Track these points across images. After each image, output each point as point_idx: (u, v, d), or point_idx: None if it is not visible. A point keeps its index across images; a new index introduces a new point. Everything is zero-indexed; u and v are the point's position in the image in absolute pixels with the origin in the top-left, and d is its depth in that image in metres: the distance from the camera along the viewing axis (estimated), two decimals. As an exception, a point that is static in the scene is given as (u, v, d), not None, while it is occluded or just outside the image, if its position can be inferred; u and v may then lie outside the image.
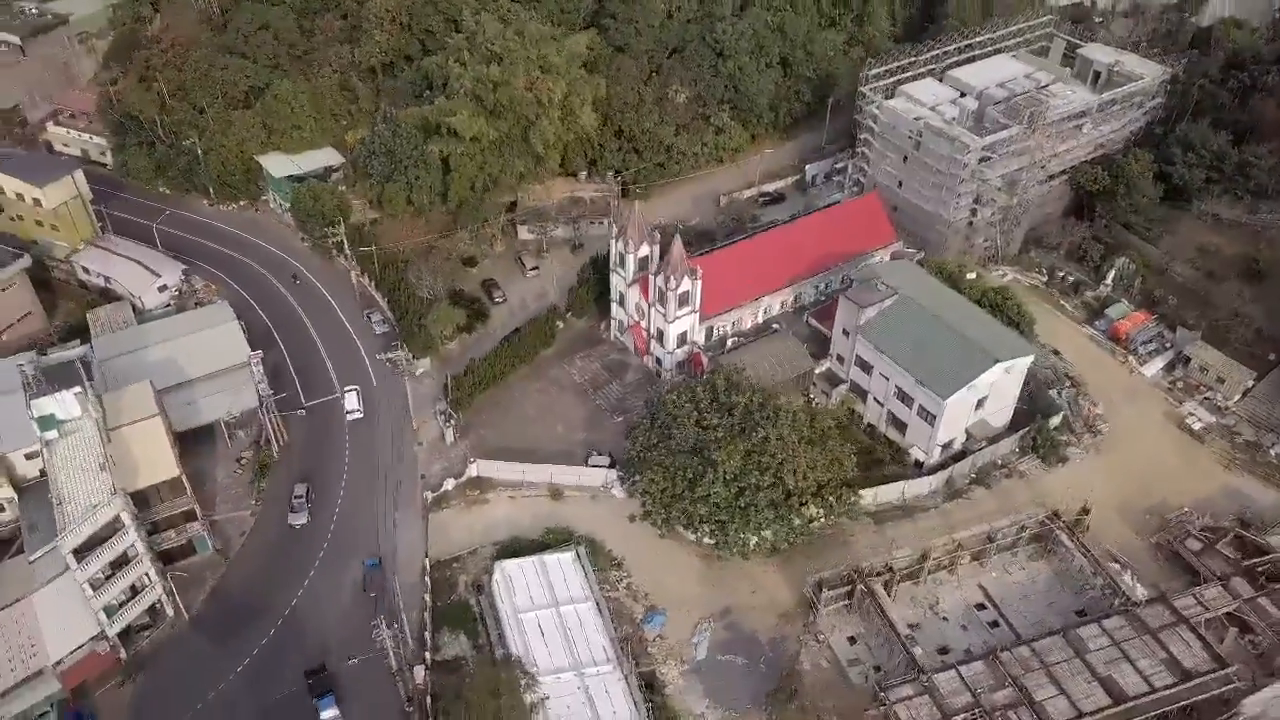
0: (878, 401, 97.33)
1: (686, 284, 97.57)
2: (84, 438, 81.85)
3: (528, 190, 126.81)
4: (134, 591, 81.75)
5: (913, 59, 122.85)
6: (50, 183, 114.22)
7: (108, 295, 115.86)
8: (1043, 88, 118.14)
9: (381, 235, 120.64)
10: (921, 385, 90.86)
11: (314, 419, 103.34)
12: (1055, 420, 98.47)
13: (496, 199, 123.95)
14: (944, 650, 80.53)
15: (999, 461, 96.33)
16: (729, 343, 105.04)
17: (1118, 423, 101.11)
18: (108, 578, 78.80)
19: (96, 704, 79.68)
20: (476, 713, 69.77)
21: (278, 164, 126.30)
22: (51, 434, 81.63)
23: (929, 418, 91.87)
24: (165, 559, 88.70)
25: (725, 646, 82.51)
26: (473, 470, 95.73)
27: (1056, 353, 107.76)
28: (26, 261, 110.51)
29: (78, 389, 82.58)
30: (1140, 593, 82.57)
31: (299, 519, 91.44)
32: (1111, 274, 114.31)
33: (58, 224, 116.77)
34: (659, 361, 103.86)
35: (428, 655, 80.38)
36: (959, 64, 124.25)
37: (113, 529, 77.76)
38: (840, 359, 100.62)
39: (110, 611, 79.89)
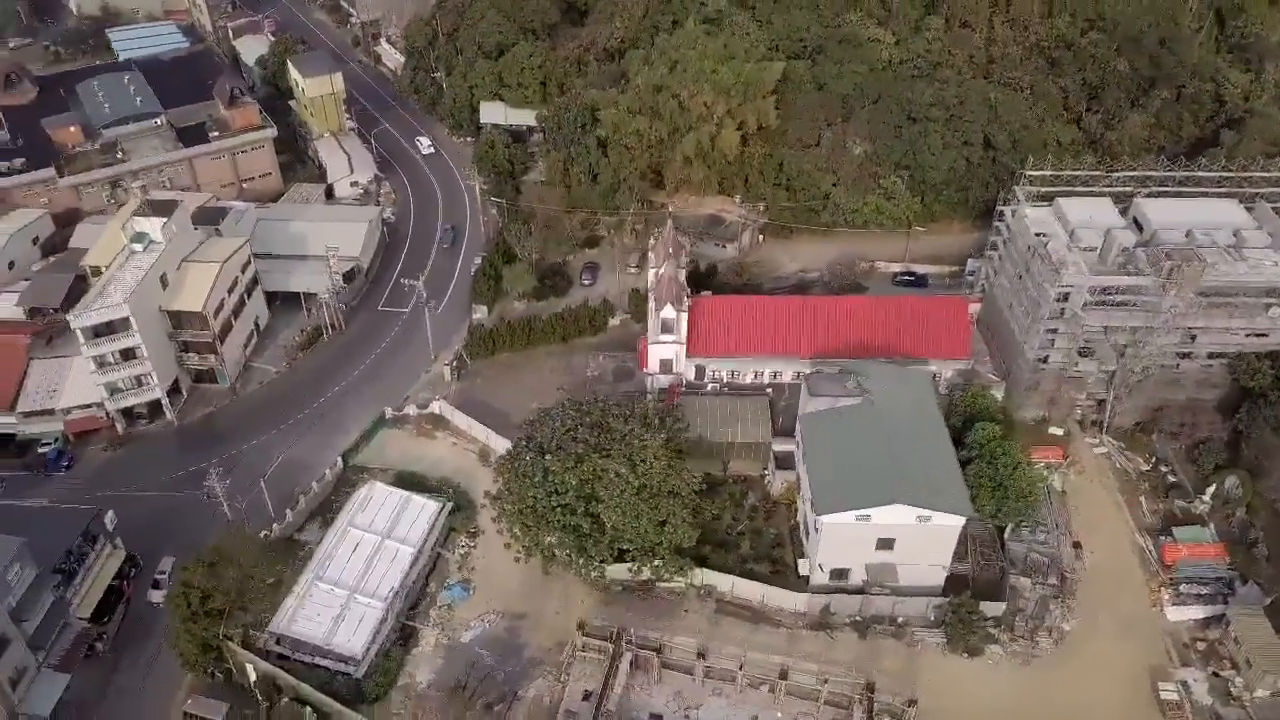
0: (803, 500, 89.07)
1: (670, 311, 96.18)
2: (153, 258, 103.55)
3: (679, 197, 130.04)
4: (139, 383, 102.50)
5: (1104, 173, 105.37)
6: (312, 76, 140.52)
7: (324, 176, 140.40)
8: (1238, 246, 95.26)
9: (540, 196, 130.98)
10: (812, 493, 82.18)
11: (375, 324, 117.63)
12: (995, 609, 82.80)
13: (644, 195, 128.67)
14: (657, 750, 74.59)
15: (898, 618, 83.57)
16: (709, 387, 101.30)
17: (1081, 650, 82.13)
18: (116, 363, 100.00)
19: (83, 455, 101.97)
20: (224, 567, 79.32)
21: (492, 111, 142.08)
22: (138, 247, 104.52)
23: (816, 532, 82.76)
24: (196, 378, 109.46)
25: (488, 641, 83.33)
26: (435, 407, 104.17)
27: (1077, 545, 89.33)
28: (272, 133, 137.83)
29: (165, 220, 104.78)
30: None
31: (157, 595, 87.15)
32: (1211, 490, 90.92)
33: (314, 112, 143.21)
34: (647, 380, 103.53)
35: (275, 526, 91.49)
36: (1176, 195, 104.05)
37: (124, 327, 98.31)
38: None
39: (112, 390, 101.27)
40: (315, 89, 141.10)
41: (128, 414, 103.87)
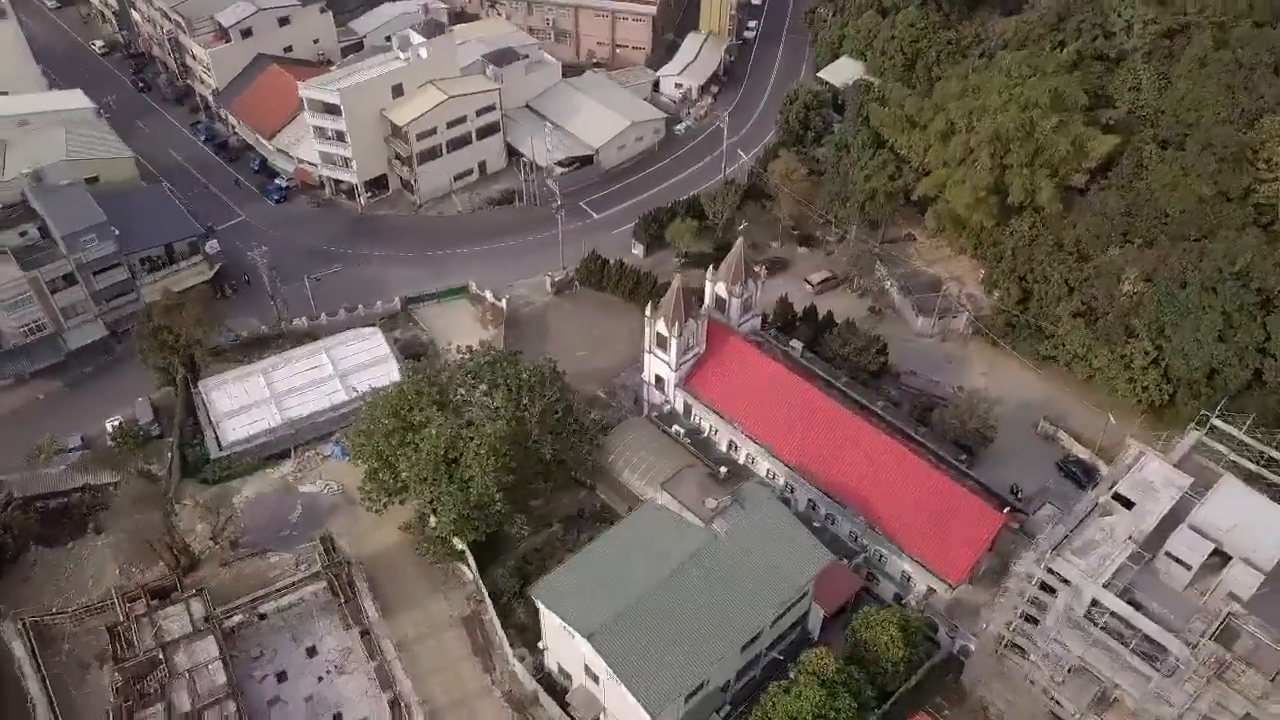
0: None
1: (662, 327, 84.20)
2: (395, 67, 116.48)
3: (933, 241, 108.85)
4: (346, 164, 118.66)
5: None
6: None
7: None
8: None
9: (787, 171, 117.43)
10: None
11: (565, 214, 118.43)
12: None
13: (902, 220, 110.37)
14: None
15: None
16: (678, 430, 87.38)
17: None
18: (331, 138, 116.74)
19: (294, 200, 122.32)
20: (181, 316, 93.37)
21: (836, 70, 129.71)
22: (401, 54, 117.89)
23: (552, 615, 71.32)
24: (403, 184, 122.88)
25: (313, 502, 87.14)
26: (500, 304, 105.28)
27: None
28: (651, 10, 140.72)
29: (425, 40, 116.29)
30: None
31: None
32: None
33: (709, 9, 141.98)
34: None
35: (305, 320, 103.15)
36: None
37: (335, 111, 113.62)
38: (675, 536, 78.11)
39: (325, 159, 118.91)
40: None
41: (336, 184, 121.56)
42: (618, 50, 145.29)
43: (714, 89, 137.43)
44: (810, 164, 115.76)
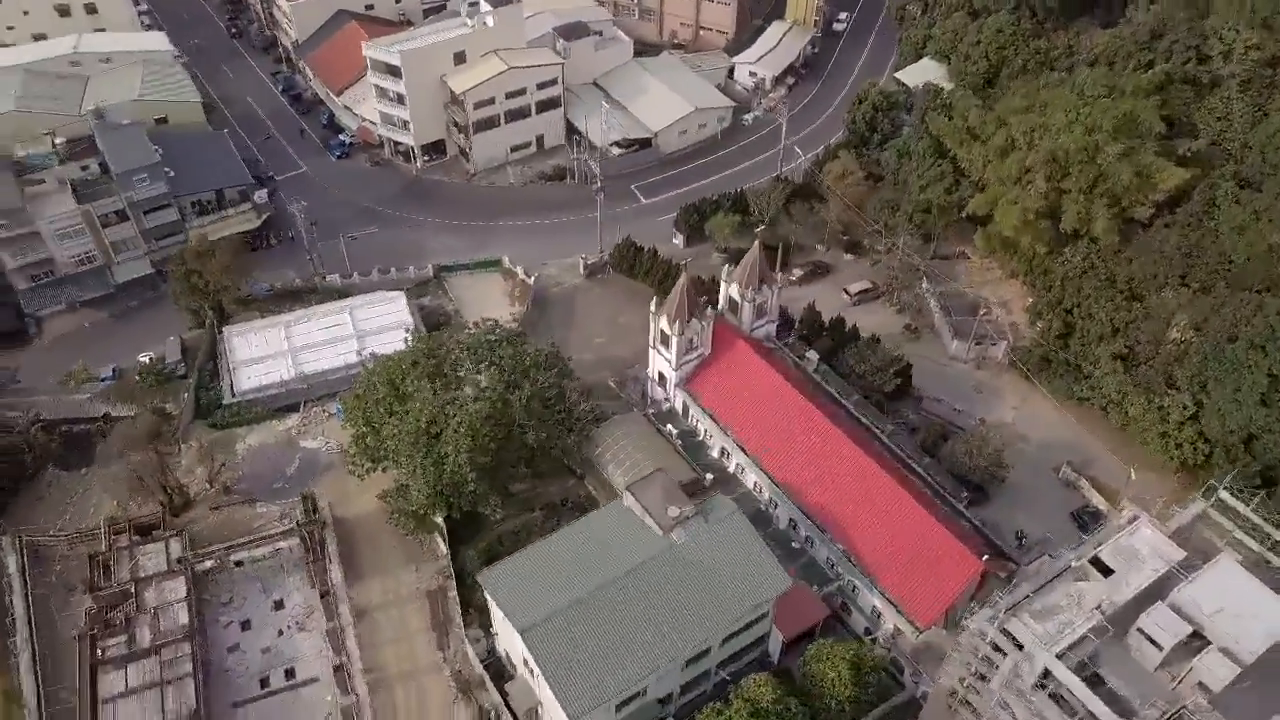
0: (578, 582, 74.97)
1: (665, 324, 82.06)
2: (460, 34, 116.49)
3: (985, 262, 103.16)
4: (404, 126, 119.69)
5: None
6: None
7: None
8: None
9: (843, 172, 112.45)
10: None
11: (614, 197, 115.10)
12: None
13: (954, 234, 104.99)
14: (237, 624, 76.21)
15: (510, 753, 69.59)
16: (670, 429, 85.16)
17: None
18: (391, 100, 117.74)
19: (355, 156, 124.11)
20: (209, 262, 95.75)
21: (914, 71, 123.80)
22: (469, 21, 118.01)
23: (502, 603, 70.66)
24: (460, 151, 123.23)
25: (310, 458, 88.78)
26: (529, 281, 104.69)
27: None
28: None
29: (492, 10, 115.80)
30: None
31: None
32: None
33: (796, 2, 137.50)
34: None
35: (338, 279, 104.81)
36: None
37: (396, 73, 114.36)
38: (645, 539, 76.41)
39: (384, 119, 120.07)
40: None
41: (395, 145, 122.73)
42: (701, 32, 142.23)
43: (790, 81, 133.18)
44: (870, 168, 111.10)
